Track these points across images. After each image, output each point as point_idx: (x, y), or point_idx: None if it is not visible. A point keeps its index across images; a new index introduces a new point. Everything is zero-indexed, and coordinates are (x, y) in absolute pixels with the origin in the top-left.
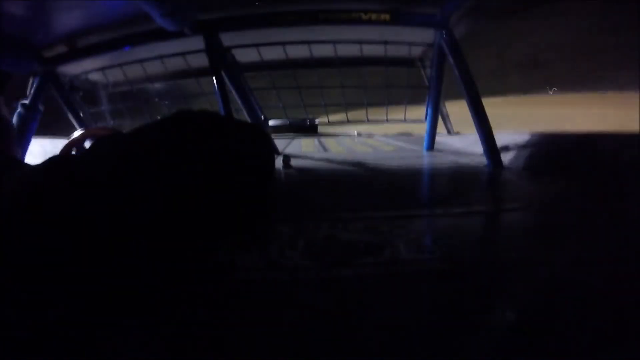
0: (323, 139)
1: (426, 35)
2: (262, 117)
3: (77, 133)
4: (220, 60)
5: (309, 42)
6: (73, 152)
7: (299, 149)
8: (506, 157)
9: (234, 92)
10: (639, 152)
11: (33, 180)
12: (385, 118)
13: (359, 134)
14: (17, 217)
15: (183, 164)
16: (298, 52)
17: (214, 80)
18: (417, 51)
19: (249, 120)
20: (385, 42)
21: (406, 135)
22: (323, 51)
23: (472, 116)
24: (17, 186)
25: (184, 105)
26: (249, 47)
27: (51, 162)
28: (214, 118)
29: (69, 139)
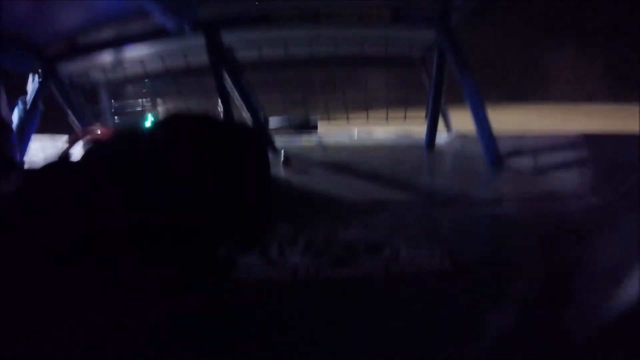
0: (323, 138)
1: (428, 35)
2: (263, 115)
3: (74, 136)
4: (220, 58)
5: (310, 41)
6: (70, 152)
7: (299, 148)
8: None
9: (234, 90)
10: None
11: (30, 184)
12: (385, 117)
13: (359, 133)
14: (15, 219)
15: (180, 169)
16: (299, 51)
17: (215, 79)
18: (418, 51)
19: (249, 118)
20: (387, 42)
21: (407, 134)
22: (324, 50)
23: (472, 116)
24: (14, 190)
25: (183, 103)
26: (250, 46)
27: (49, 166)
28: (210, 121)
29: (66, 141)
